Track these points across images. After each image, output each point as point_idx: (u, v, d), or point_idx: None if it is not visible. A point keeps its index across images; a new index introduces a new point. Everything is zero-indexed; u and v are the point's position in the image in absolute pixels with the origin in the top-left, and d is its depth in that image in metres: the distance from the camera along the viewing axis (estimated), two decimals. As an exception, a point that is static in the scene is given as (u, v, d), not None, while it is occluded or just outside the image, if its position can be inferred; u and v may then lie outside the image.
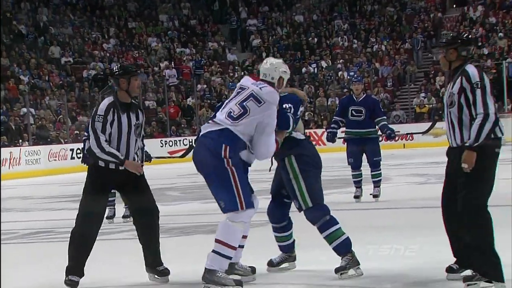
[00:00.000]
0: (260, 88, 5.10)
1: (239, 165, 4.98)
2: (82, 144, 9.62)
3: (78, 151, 21.31)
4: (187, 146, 10.40)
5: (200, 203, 11.01)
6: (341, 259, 5.19)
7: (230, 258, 4.95)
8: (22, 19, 29.76)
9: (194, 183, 14.91)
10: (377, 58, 31.12)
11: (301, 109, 5.41)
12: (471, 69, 4.71)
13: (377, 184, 9.84)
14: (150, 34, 33.12)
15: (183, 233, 7.95)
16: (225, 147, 4.89)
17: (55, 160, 21.38)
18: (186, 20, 35.37)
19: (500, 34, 29.71)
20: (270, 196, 5.57)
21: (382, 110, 10.45)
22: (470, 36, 4.98)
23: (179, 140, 24.95)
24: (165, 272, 5.45)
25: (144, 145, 5.71)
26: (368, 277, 5.16)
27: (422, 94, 28.31)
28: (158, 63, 30.91)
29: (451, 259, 4.99)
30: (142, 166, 5.51)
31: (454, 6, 34.84)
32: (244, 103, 5.04)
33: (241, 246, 5.26)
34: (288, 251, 5.56)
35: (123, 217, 9.20)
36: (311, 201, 5.23)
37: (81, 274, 5.30)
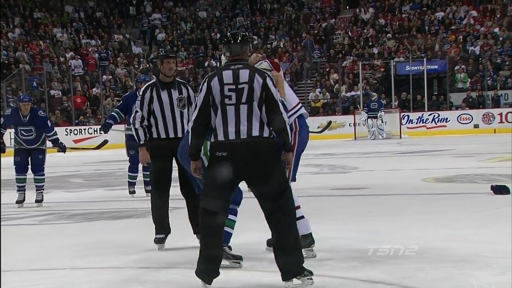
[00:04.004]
0: None
1: None
2: None
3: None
4: (102, 140, 10.08)
5: (104, 190, 10.84)
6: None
7: None
8: None
9: (98, 170, 14.66)
10: (276, 54, 31.43)
11: None
12: None
13: None
14: (56, 25, 32.24)
15: (86, 219, 7.79)
16: None
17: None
18: (92, 12, 34.65)
19: (389, 35, 30.59)
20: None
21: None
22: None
23: (84, 129, 24.47)
24: None
25: None
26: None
27: (318, 89, 28.83)
28: (63, 54, 30.13)
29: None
30: None
31: (347, 7, 35.62)
32: None
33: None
34: None
35: (36, 201, 9.08)
36: None
37: (167, 231, 5.77)
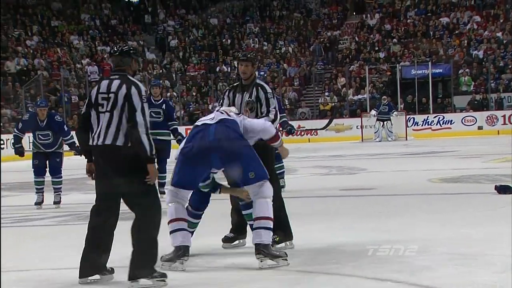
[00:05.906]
0: None
1: None
2: (12, 137, 9.41)
3: (1, 142, 20.68)
4: None
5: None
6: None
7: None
8: None
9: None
10: (285, 60, 31.44)
11: None
12: None
13: (281, 175, 9.45)
14: (72, 32, 32.39)
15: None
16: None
17: (-22, 151, 20.60)
18: (107, 20, 34.78)
19: (394, 40, 30.52)
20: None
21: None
22: None
23: (100, 133, 24.53)
24: None
25: None
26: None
27: (326, 93, 28.79)
28: (80, 60, 30.27)
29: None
30: None
31: (354, 13, 35.57)
32: None
33: None
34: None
35: (54, 203, 9.14)
36: None
37: None
